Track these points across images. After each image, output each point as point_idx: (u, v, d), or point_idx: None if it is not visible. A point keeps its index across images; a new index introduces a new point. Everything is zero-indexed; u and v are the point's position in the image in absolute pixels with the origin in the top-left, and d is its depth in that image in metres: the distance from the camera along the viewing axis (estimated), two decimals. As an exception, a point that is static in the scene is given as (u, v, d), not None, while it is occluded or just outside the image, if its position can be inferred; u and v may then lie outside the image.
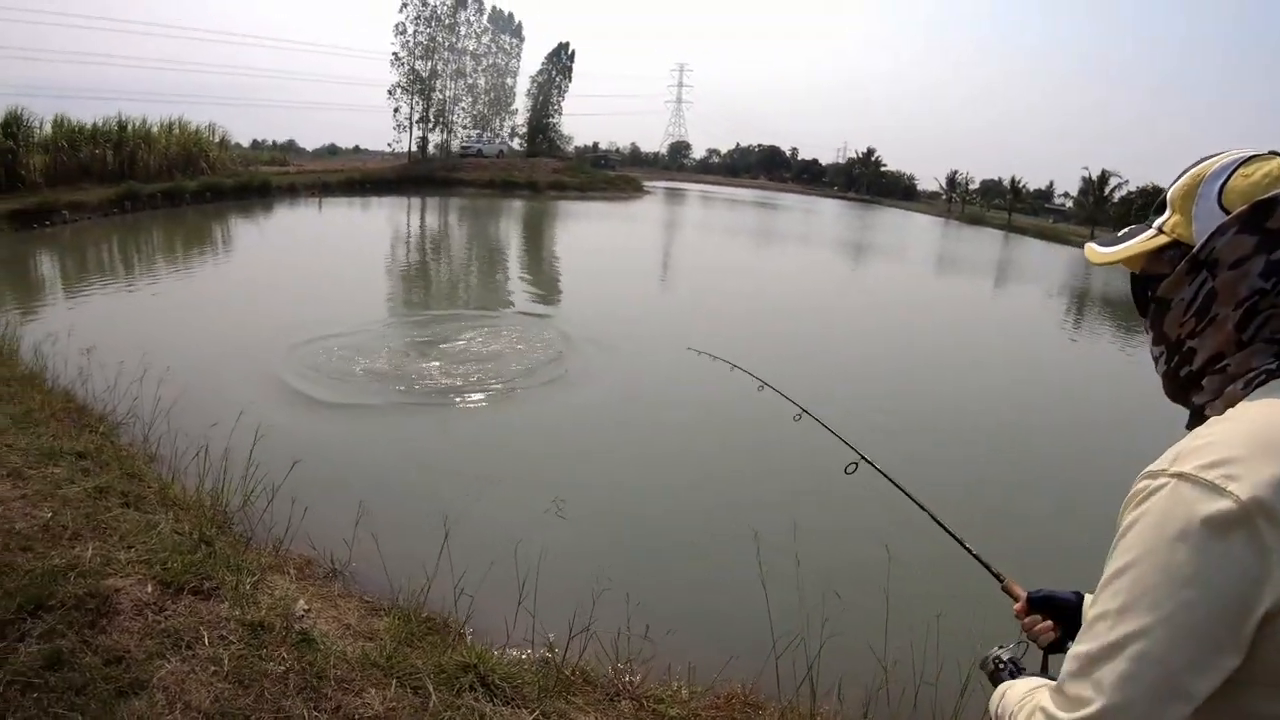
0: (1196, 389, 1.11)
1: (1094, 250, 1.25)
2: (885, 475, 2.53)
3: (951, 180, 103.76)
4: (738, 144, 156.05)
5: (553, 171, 57.14)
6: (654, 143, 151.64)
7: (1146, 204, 60.68)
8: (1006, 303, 25.79)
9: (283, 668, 3.07)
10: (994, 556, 1.91)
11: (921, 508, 2.27)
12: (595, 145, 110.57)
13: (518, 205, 43.90)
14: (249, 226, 28.11)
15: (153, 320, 12.41)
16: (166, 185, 30.62)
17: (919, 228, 64.32)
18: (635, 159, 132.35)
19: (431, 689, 3.13)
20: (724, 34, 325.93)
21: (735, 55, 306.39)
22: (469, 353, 10.94)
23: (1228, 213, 1.04)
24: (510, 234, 32.74)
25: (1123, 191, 69.35)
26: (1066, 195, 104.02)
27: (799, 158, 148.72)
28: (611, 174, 69.29)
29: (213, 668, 2.99)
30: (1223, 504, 0.87)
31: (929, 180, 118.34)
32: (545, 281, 20.33)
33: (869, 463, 2.63)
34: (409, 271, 20.65)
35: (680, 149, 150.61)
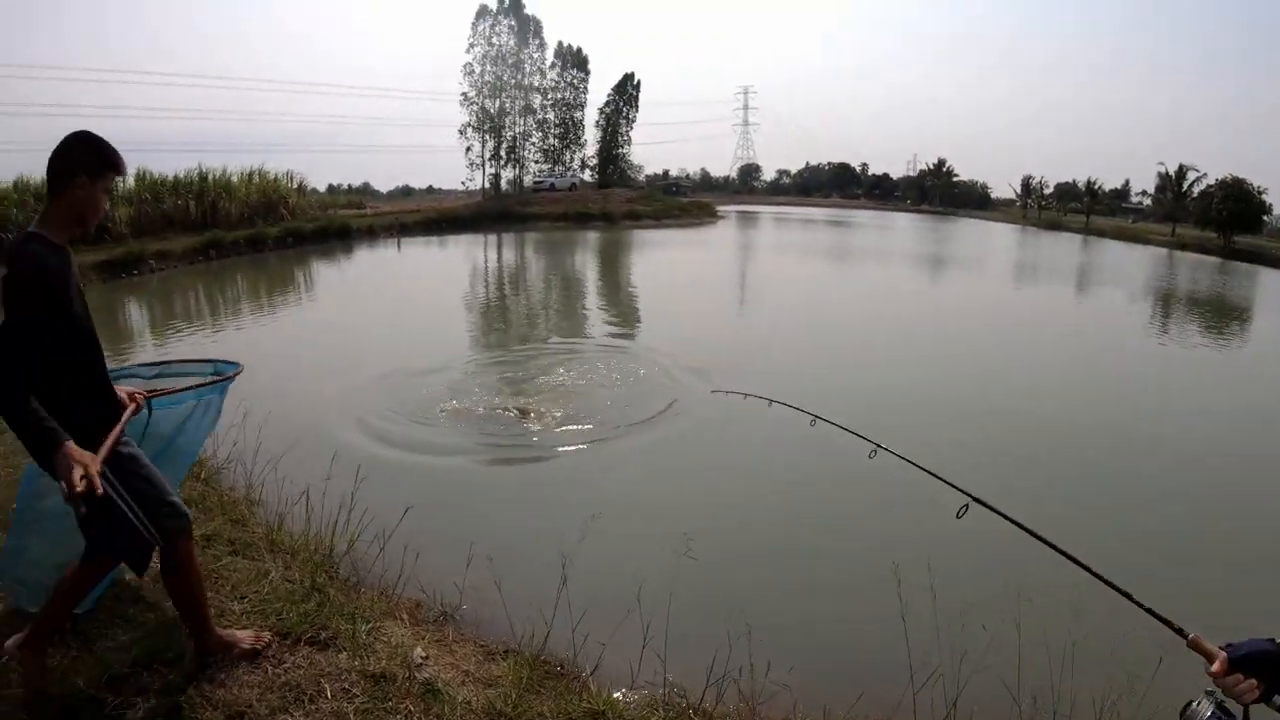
0: None
1: None
2: (1010, 519, 2.39)
3: (1026, 186, 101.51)
4: (807, 163, 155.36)
5: (626, 201, 57.11)
6: (723, 167, 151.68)
7: (1227, 196, 58.50)
8: (1096, 307, 24.17)
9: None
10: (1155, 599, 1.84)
11: (1087, 568, 2.07)
12: (666, 173, 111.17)
13: (593, 236, 43.82)
14: (331, 269, 28.23)
15: (248, 363, 12.00)
16: (248, 232, 31.15)
17: (996, 236, 62.72)
18: (706, 184, 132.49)
19: None
20: (786, 54, 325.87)
21: (799, 73, 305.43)
22: (564, 388, 10.46)
23: None
24: (588, 265, 32.31)
25: (1201, 185, 66.50)
26: (1144, 193, 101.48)
27: (869, 173, 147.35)
28: (684, 200, 69.06)
29: None
30: None
31: (1003, 188, 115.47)
32: (628, 313, 19.62)
33: (988, 506, 2.50)
34: (492, 307, 20.26)
35: (750, 171, 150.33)
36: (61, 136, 2.82)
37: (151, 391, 3.43)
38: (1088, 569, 2.05)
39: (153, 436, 3.43)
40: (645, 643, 3.82)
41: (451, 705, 3.13)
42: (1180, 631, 1.69)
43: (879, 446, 3.29)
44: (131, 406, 3.08)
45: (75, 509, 2.51)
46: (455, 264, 31.65)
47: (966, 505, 2.49)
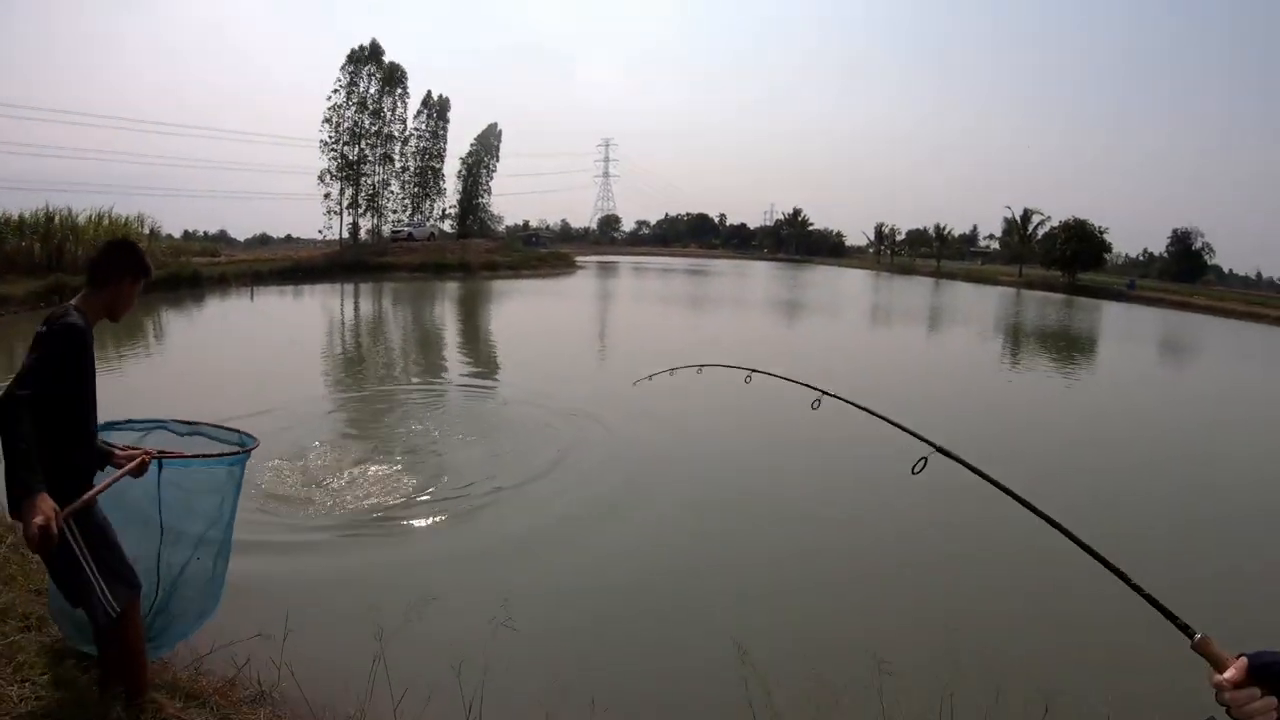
0: None
1: None
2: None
3: (879, 233, 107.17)
4: (666, 214, 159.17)
5: (485, 252, 57.82)
6: (584, 218, 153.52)
7: (1070, 237, 63.83)
8: (947, 345, 26.33)
9: None
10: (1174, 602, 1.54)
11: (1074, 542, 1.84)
12: (526, 224, 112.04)
13: (451, 287, 44.26)
14: (179, 319, 27.89)
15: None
16: (94, 279, 30.26)
17: (851, 281, 66.18)
18: (566, 235, 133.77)
19: None
20: (645, 108, 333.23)
21: (658, 126, 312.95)
22: (409, 445, 10.63)
23: None
24: (445, 316, 33.00)
25: (1045, 228, 72.08)
26: (991, 237, 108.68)
27: (727, 223, 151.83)
28: (543, 251, 70.23)
29: None
30: None
31: (857, 235, 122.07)
32: (479, 359, 20.60)
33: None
34: (343, 359, 20.69)
35: (610, 222, 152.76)
36: None
37: (162, 452, 3.71)
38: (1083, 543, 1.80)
39: (166, 502, 3.75)
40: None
41: None
42: (1187, 630, 1.40)
43: (824, 394, 3.22)
44: (134, 463, 3.49)
45: (33, 551, 2.93)
46: (310, 314, 31.81)
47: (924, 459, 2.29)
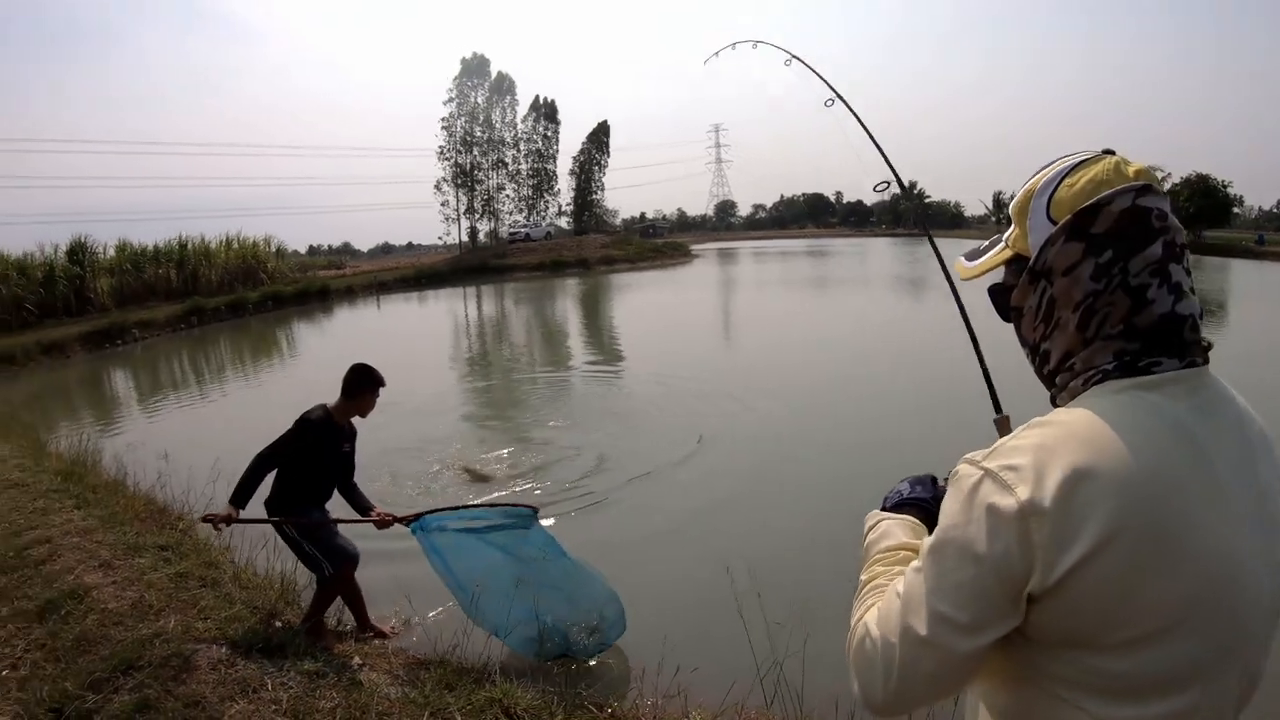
0: (1054, 386, 1.18)
1: (961, 265, 1.31)
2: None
3: (998, 201, 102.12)
4: (782, 195, 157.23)
5: (601, 247, 57.78)
6: (700, 205, 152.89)
7: (1193, 194, 59.58)
8: None
9: (332, 704, 3.59)
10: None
11: None
12: (642, 215, 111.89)
13: (571, 283, 44.11)
14: (311, 330, 28.60)
15: (223, 425, 12.49)
16: (229, 298, 31.54)
17: (971, 253, 63.19)
18: (683, 224, 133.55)
19: (459, 718, 3.56)
20: (754, 87, 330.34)
21: (768, 108, 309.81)
22: (558, 432, 10.54)
23: (1055, 223, 1.10)
24: (567, 312, 32.68)
25: (1168, 185, 67.50)
26: None
27: (844, 201, 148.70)
28: (659, 242, 69.86)
29: (273, 706, 3.55)
30: (1008, 501, 0.99)
31: (976, 205, 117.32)
32: (607, 348, 20.10)
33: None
34: (471, 358, 20.55)
35: (726, 208, 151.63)
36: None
37: (417, 515, 4.77)
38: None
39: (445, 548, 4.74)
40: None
41: (370, 694, 3.70)
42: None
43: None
44: (375, 518, 4.83)
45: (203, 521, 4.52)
46: (435, 318, 32.03)
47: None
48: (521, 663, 4.52)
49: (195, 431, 12.08)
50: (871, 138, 2.75)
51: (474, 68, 62.81)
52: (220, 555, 5.80)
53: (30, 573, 5.10)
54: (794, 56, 3.52)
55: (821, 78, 3.01)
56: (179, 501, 7.30)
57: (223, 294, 32.08)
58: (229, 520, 4.34)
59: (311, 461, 4.69)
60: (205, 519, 4.44)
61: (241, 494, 4.44)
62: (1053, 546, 0.97)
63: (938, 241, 2.58)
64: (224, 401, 14.98)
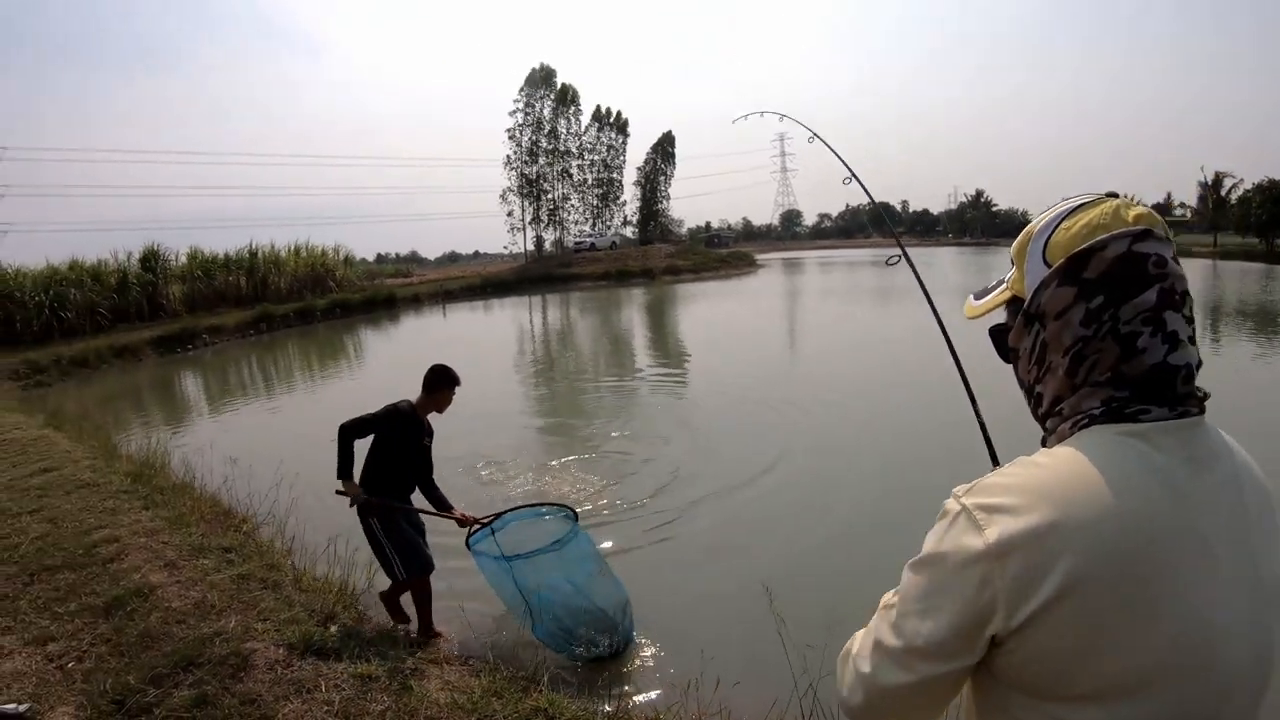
0: (1045, 429, 1.16)
1: (969, 304, 1.29)
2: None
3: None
4: (847, 205, 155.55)
5: (666, 257, 57.75)
6: (765, 214, 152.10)
7: (1265, 199, 56.72)
8: None
9: (382, 707, 3.68)
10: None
11: None
12: (708, 225, 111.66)
13: (636, 293, 44.07)
14: (378, 337, 28.93)
15: (288, 431, 12.60)
16: (298, 305, 32.07)
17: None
18: (748, 233, 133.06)
19: None
20: (818, 95, 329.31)
21: (834, 115, 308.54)
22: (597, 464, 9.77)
23: (1050, 266, 1.09)
24: (633, 322, 32.41)
25: (1238, 192, 64.64)
26: (1182, 205, 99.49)
27: (910, 210, 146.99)
28: (724, 252, 69.48)
29: (326, 707, 3.64)
30: (975, 542, 0.98)
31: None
32: (676, 360, 19.85)
33: None
34: (536, 366, 20.34)
35: (792, 217, 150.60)
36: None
37: (494, 515, 5.41)
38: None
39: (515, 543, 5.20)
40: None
41: (419, 698, 3.79)
42: None
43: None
44: (455, 515, 5.32)
45: (350, 506, 5.05)
46: (501, 327, 32.13)
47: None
48: (568, 673, 4.68)
49: (262, 436, 12.21)
50: (888, 222, 3.10)
51: (539, 79, 63.30)
52: (281, 559, 5.96)
53: (98, 570, 5.26)
54: (815, 135, 3.89)
55: (839, 156, 3.23)
56: (244, 505, 7.49)
57: (291, 301, 32.69)
58: (356, 497, 4.96)
59: (397, 451, 5.14)
60: (339, 492, 5.01)
61: (343, 467, 4.95)
62: (1015, 590, 0.97)
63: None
64: (290, 407, 15.12)
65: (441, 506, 5.37)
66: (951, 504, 1.05)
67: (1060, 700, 0.98)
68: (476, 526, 5.26)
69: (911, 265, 2.56)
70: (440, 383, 5.28)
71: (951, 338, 2.10)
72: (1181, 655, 0.94)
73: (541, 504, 5.74)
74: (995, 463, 1.56)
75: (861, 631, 1.17)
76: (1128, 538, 0.94)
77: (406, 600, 5.34)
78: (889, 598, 1.12)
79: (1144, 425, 1.02)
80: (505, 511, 5.49)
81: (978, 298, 1.27)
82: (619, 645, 5.10)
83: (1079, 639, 0.94)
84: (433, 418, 5.42)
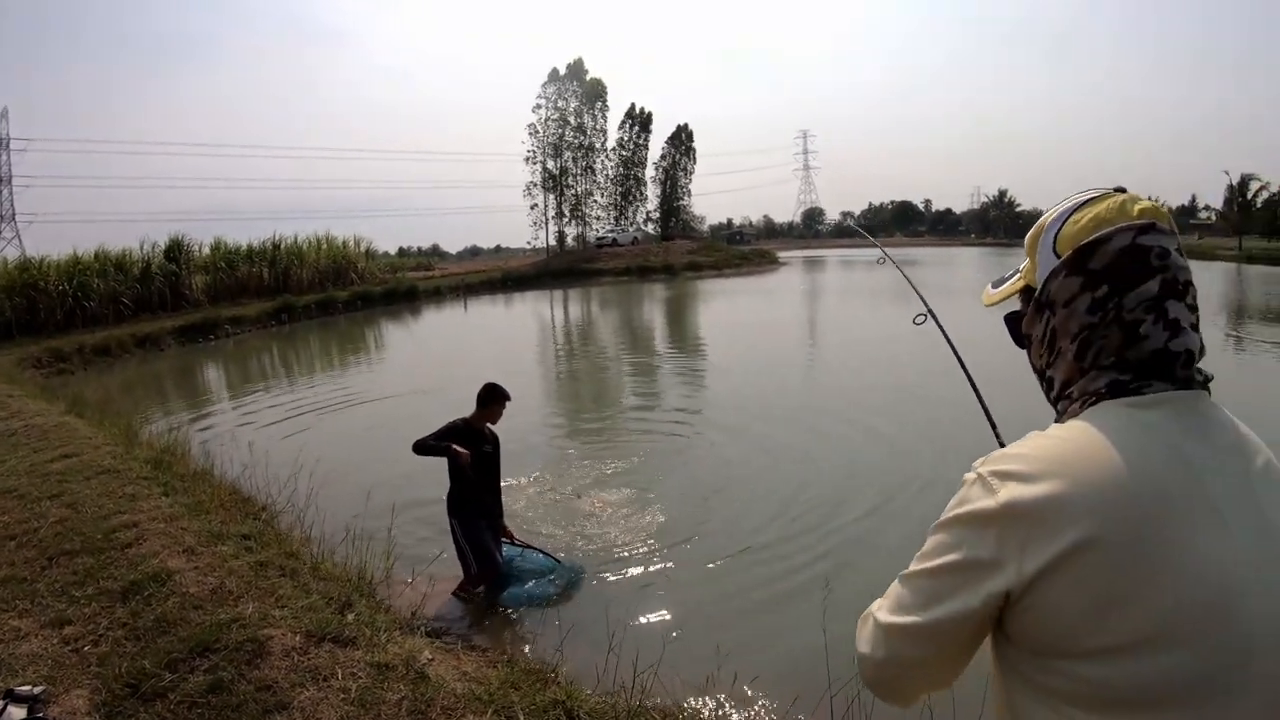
0: (1057, 411, 1.20)
1: (987, 292, 1.37)
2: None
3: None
4: (870, 203, 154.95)
5: (687, 253, 57.62)
6: (787, 212, 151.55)
7: None
8: None
9: (398, 696, 3.66)
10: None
11: None
12: (729, 222, 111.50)
13: (657, 289, 44.01)
14: (398, 330, 29.03)
15: (307, 420, 12.61)
16: (319, 296, 32.22)
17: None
18: (770, 231, 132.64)
19: (522, 718, 3.62)
20: (844, 94, 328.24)
21: (856, 113, 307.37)
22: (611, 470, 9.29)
23: (1059, 257, 1.15)
24: (654, 317, 32.35)
25: (1265, 195, 63.71)
26: (1207, 208, 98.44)
27: (932, 209, 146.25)
28: (745, 249, 69.34)
29: (342, 695, 3.63)
30: (988, 503, 1.03)
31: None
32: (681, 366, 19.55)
33: None
34: (549, 367, 19.72)
35: (813, 215, 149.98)
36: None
37: (526, 544, 6.54)
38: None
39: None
40: (609, 649, 4.26)
41: (436, 688, 3.77)
42: None
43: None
44: (507, 534, 6.41)
45: (465, 469, 5.88)
46: (521, 321, 32.19)
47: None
48: (588, 666, 4.65)
49: (281, 425, 12.24)
50: (863, 233, 3.40)
51: (569, 73, 63.14)
52: (300, 546, 6.01)
53: (116, 555, 5.27)
54: (885, 255, 3.96)
55: (906, 276, 3.19)
56: (262, 492, 7.53)
57: (313, 293, 32.84)
58: (460, 455, 5.81)
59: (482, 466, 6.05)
60: (454, 452, 5.84)
61: (436, 447, 5.87)
62: (1026, 548, 1.00)
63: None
64: (310, 397, 15.03)
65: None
66: (969, 474, 1.10)
67: (1073, 656, 1.00)
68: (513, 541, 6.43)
69: (897, 265, 3.09)
70: (491, 399, 6.10)
71: (951, 338, 2.21)
72: (1193, 611, 0.95)
73: (556, 557, 6.47)
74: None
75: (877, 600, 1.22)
76: (1135, 498, 0.97)
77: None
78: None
79: (1148, 397, 1.07)
80: (533, 547, 6.52)
81: (995, 286, 1.35)
82: (568, 579, 6.20)
83: (1090, 594, 0.97)
84: None
